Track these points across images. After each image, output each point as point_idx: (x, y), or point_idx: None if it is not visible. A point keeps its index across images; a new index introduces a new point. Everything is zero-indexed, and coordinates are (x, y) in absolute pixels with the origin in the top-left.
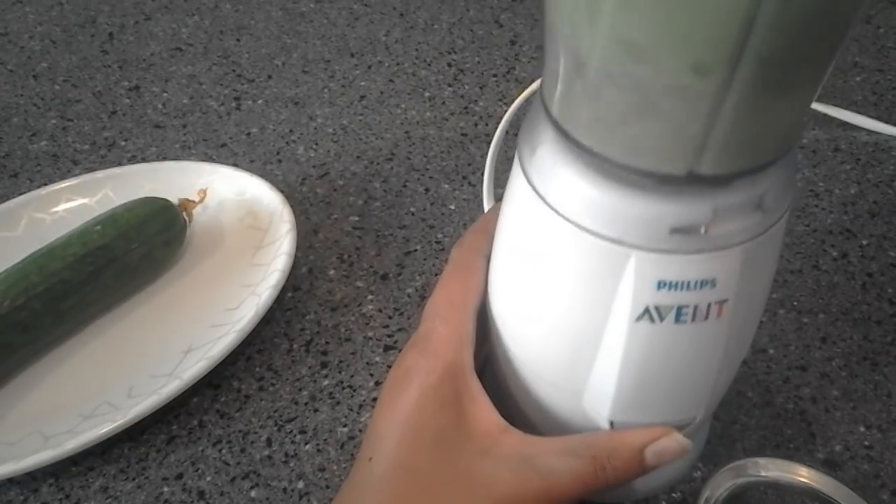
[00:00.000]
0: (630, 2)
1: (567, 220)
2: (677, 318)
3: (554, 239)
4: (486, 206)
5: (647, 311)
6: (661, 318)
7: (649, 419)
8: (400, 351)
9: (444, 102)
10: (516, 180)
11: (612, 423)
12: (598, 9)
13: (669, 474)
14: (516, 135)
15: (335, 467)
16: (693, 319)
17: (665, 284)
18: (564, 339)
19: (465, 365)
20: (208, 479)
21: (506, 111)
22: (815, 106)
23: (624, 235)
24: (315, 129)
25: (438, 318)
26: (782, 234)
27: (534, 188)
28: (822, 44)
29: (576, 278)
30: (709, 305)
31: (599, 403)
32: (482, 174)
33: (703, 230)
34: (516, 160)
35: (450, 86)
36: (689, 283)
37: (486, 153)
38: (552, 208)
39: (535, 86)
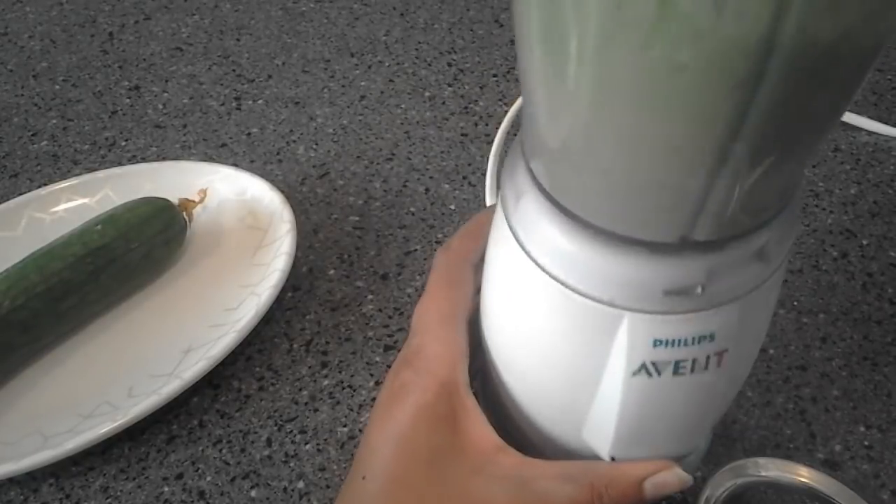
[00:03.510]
0: (613, 73)
1: (554, 279)
2: (675, 372)
3: (541, 296)
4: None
5: (643, 367)
6: (659, 373)
7: (650, 454)
8: (398, 352)
9: (444, 102)
10: (500, 228)
11: (612, 458)
12: (578, 78)
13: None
14: (516, 134)
15: (335, 467)
16: (692, 371)
17: (661, 342)
18: (560, 386)
19: (459, 382)
20: (208, 478)
21: (506, 111)
22: None
23: (615, 298)
24: (315, 128)
25: (429, 333)
26: (783, 274)
27: (519, 243)
28: (826, 112)
29: (567, 335)
30: (708, 357)
31: (599, 440)
32: (482, 174)
33: (699, 290)
34: (499, 204)
35: (450, 86)
36: (686, 339)
37: (487, 153)
38: (538, 266)
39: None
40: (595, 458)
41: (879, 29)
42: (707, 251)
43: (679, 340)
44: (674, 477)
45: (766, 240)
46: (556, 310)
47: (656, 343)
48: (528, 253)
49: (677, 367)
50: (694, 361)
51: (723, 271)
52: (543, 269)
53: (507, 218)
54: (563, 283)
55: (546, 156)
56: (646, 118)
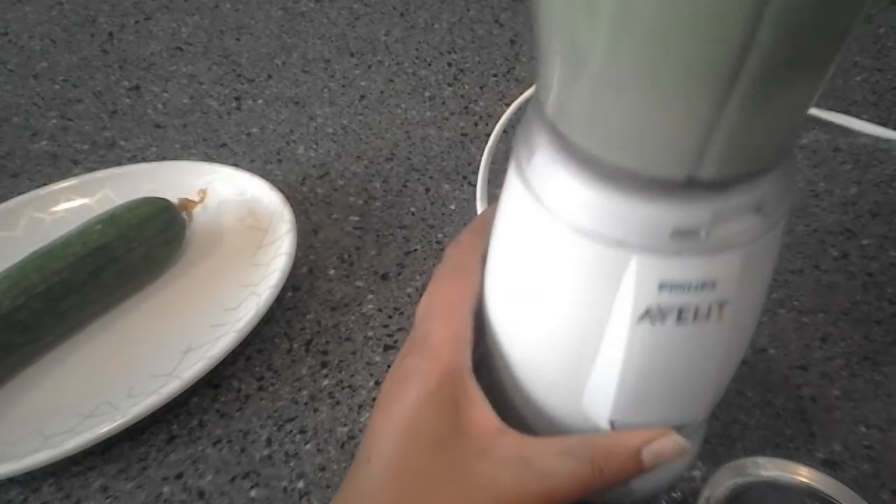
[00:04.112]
0: (631, 4)
1: (567, 223)
2: (679, 319)
3: (553, 242)
4: (479, 206)
5: (648, 312)
6: (663, 320)
7: (651, 419)
8: (399, 350)
9: (444, 102)
10: (513, 185)
11: (612, 424)
12: (597, 12)
13: (668, 474)
14: (517, 129)
15: (335, 467)
16: (694, 320)
17: (667, 286)
18: (564, 342)
19: (463, 367)
20: (208, 478)
21: (506, 111)
22: (816, 111)
23: (625, 238)
24: (315, 128)
25: (436, 319)
26: (780, 235)
27: (532, 192)
28: (827, 43)
29: (576, 281)
30: (709, 306)
31: (600, 404)
32: None
33: (703, 233)
34: (512, 164)
35: (450, 85)
36: (690, 284)
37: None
38: (552, 212)
39: (534, 87)
40: (595, 430)
41: None
42: (712, 193)
43: (683, 285)
44: (671, 443)
45: (765, 191)
46: (567, 255)
47: (662, 286)
48: (540, 202)
49: (681, 315)
50: (696, 310)
51: (726, 216)
52: (556, 215)
53: (520, 174)
54: (574, 227)
55: (565, 91)
56: (662, 38)
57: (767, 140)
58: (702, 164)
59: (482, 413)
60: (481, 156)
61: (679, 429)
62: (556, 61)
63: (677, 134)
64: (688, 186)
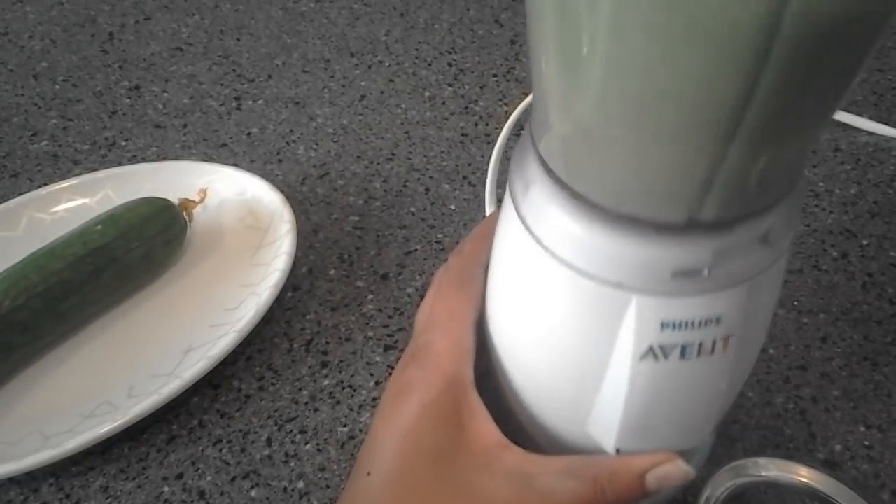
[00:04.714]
0: (625, 52)
1: (563, 263)
2: (682, 356)
3: (550, 280)
4: (489, 210)
5: (650, 350)
6: (666, 357)
7: (656, 446)
8: (400, 351)
9: (444, 102)
10: (510, 217)
11: (618, 451)
12: (588, 68)
13: (670, 491)
14: (517, 135)
15: (335, 467)
16: (698, 355)
17: (669, 325)
18: (566, 374)
19: (465, 379)
20: (208, 478)
21: (506, 111)
22: None
23: (624, 279)
24: (315, 128)
25: (437, 330)
26: (786, 262)
27: (528, 229)
28: (833, 91)
29: (575, 319)
30: (714, 341)
31: (605, 432)
32: (483, 174)
33: (705, 272)
34: (508, 195)
35: (450, 85)
36: (693, 322)
37: (487, 153)
38: (548, 251)
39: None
40: (599, 453)
41: (886, 4)
42: (714, 232)
43: (686, 323)
44: (676, 469)
45: (771, 224)
46: (565, 295)
47: (664, 325)
48: (537, 239)
49: (684, 351)
50: (700, 345)
51: (729, 253)
52: (553, 255)
53: (516, 207)
54: (571, 267)
55: (557, 137)
56: (657, 95)
57: (773, 180)
58: (703, 207)
59: (484, 426)
60: (482, 156)
61: (685, 453)
62: (549, 109)
63: (675, 182)
64: (688, 227)
